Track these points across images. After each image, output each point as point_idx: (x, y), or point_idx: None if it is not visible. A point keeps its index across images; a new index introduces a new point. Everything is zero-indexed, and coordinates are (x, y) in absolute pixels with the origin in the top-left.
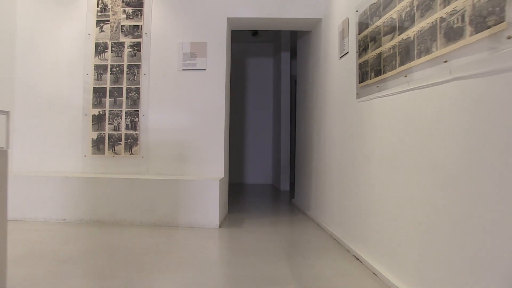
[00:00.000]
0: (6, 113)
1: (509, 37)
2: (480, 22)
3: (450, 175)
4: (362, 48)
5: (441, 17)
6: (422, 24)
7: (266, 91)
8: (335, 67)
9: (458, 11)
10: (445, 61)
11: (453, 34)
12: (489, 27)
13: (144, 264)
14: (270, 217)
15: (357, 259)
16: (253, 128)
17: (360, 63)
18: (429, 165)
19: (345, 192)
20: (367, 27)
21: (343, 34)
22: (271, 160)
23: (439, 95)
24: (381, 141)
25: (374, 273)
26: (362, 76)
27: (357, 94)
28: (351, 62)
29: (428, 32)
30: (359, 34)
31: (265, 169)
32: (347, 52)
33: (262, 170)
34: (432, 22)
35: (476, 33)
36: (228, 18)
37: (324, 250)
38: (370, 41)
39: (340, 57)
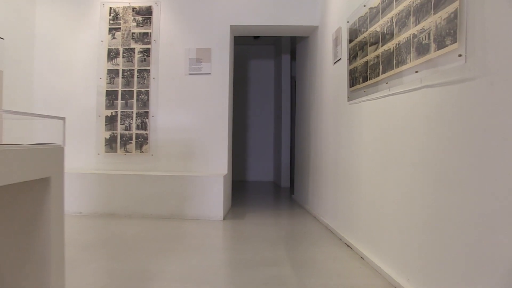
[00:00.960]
0: (63, 118)
1: (459, 55)
2: (441, 41)
3: (421, 167)
4: (352, 56)
5: (413, 33)
6: (399, 38)
7: (268, 92)
8: (329, 72)
9: (425, 30)
10: (416, 72)
11: (422, 48)
12: (447, 46)
13: (157, 250)
14: (270, 210)
15: (348, 246)
16: (255, 127)
17: (350, 69)
18: (405, 159)
19: (338, 187)
20: (356, 37)
21: (336, 42)
22: (273, 158)
23: (412, 100)
24: (367, 139)
25: (361, 257)
26: (352, 81)
27: (348, 97)
28: (343, 68)
29: (404, 46)
30: (349, 43)
31: (266, 167)
32: (340, 59)
33: (264, 168)
34: (407, 37)
35: (438, 50)
36: (231, 26)
37: (318, 239)
38: (359, 50)
39: (334, 63)
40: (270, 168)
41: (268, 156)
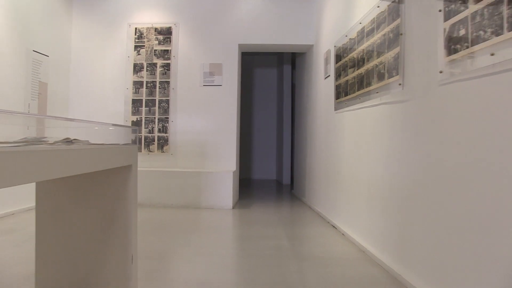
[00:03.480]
0: (137, 128)
1: (399, 84)
2: (391, 72)
3: (381, 161)
4: (338, 74)
5: (376, 64)
6: (368, 66)
7: (271, 97)
8: (321, 85)
9: (383, 62)
10: (377, 92)
11: (380, 76)
12: (393, 76)
13: (181, 229)
14: (272, 202)
15: (333, 226)
16: (259, 130)
17: (336, 85)
18: (370, 156)
19: (328, 181)
20: (341, 60)
21: (327, 61)
22: (275, 158)
23: (376, 112)
24: (347, 142)
25: (343, 234)
26: (338, 94)
27: (334, 107)
28: (331, 83)
29: (370, 72)
30: (336, 64)
31: (269, 166)
32: (329, 75)
33: (267, 167)
34: (372, 66)
35: (389, 78)
36: (239, 44)
37: (310, 222)
38: (342, 70)
39: (325, 78)
40: (273, 167)
41: (271, 156)
